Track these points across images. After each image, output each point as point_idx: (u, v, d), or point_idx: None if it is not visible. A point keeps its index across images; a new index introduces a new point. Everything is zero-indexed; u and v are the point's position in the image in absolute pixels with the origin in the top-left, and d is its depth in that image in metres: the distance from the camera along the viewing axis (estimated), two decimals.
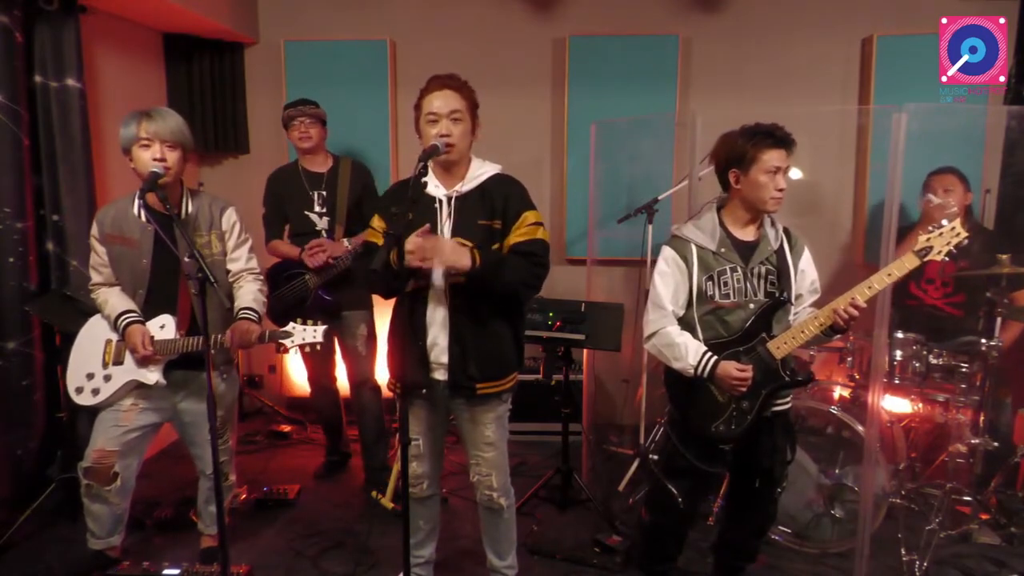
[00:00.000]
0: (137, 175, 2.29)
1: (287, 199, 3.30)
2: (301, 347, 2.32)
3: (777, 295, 2.17)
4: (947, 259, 2.05)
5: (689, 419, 2.27)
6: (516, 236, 2.12)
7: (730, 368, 2.11)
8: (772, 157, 2.10)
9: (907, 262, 2.05)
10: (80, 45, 3.06)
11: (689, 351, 2.15)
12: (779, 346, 2.13)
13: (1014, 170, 3.57)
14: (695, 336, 2.19)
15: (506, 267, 2.06)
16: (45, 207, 3.05)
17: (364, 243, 2.25)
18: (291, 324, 2.33)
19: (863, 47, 3.90)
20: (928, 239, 2.05)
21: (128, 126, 2.27)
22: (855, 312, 2.05)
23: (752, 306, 2.17)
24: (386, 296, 2.20)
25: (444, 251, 1.99)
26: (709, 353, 2.14)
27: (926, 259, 2.04)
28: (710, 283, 2.18)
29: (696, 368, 2.14)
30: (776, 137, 2.10)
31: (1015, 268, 2.74)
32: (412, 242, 1.97)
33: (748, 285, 2.17)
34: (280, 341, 2.32)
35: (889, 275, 2.06)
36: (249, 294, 2.48)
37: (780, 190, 2.13)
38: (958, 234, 2.03)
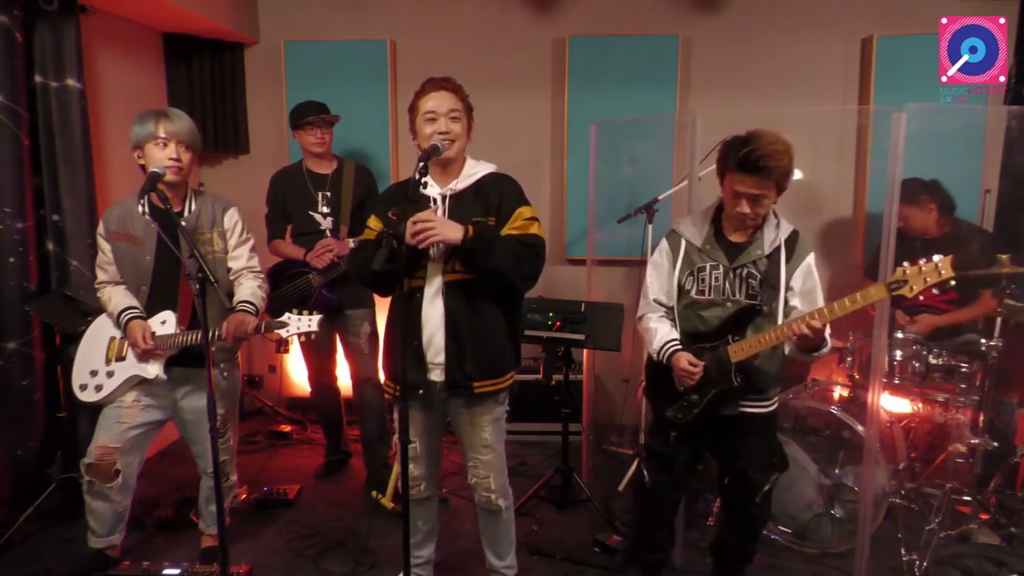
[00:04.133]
0: (144, 171, 2.32)
1: (291, 199, 3.31)
2: (300, 338, 2.37)
3: (756, 302, 2.14)
4: (920, 298, 1.91)
5: (652, 400, 2.38)
6: (511, 229, 2.11)
7: (682, 360, 2.15)
8: (735, 181, 2.03)
9: (875, 292, 1.92)
10: (80, 45, 3.06)
11: (656, 337, 2.23)
12: (736, 350, 2.12)
13: (1014, 170, 3.57)
14: (676, 327, 2.25)
15: (500, 245, 2.04)
16: (45, 207, 3.05)
17: (360, 242, 2.26)
18: (286, 314, 2.37)
19: (863, 47, 3.90)
20: (906, 272, 1.88)
21: (145, 123, 2.30)
22: (807, 332, 1.92)
23: (729, 305, 2.17)
24: (383, 293, 2.22)
25: (438, 226, 1.97)
26: (671, 342, 2.20)
27: (895, 293, 1.89)
28: (690, 278, 2.21)
29: (657, 354, 2.22)
30: (740, 162, 1.98)
31: (1015, 268, 2.73)
32: (412, 220, 1.97)
33: (727, 284, 2.17)
34: (276, 330, 2.36)
35: (853, 302, 1.93)
36: (248, 289, 2.51)
37: (744, 214, 2.07)
38: (941, 274, 1.83)
